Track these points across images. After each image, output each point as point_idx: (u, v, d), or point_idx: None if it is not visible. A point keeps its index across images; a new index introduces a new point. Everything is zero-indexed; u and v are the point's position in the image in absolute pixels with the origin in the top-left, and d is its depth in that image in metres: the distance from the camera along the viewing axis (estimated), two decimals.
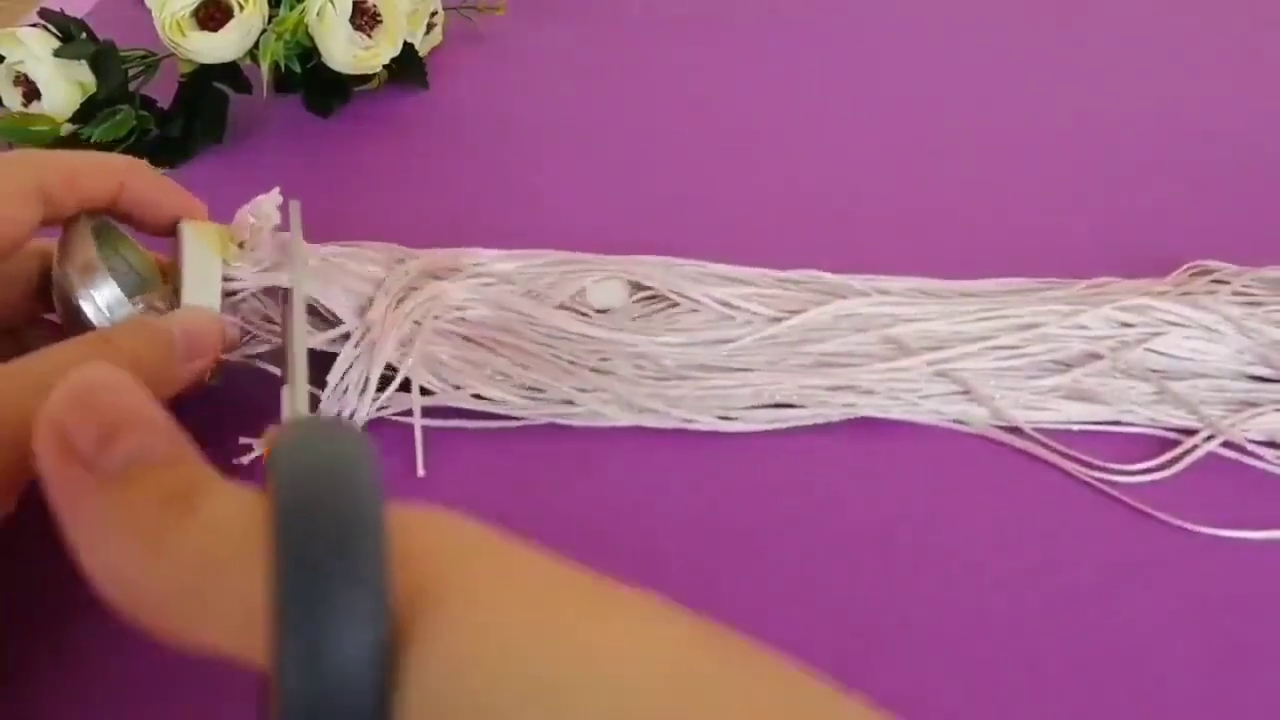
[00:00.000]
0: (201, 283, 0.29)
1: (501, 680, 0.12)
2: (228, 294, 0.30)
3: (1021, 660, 0.27)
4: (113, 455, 0.14)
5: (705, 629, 0.13)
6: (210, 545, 0.14)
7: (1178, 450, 0.33)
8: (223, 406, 0.31)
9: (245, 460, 0.30)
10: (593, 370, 0.34)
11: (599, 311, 0.36)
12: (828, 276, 0.39)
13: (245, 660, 0.13)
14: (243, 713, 0.19)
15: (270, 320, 0.31)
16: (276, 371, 0.31)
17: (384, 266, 0.34)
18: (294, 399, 0.25)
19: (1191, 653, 0.28)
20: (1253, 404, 0.35)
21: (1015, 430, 0.34)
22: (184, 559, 0.14)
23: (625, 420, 0.33)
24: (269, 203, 0.31)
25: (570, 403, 0.33)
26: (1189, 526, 0.31)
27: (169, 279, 0.30)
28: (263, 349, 0.31)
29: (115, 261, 0.29)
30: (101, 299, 0.27)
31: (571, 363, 0.34)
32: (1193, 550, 0.30)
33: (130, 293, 0.28)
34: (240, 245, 0.31)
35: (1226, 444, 0.33)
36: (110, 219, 0.30)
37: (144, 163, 0.31)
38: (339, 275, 0.33)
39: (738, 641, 0.13)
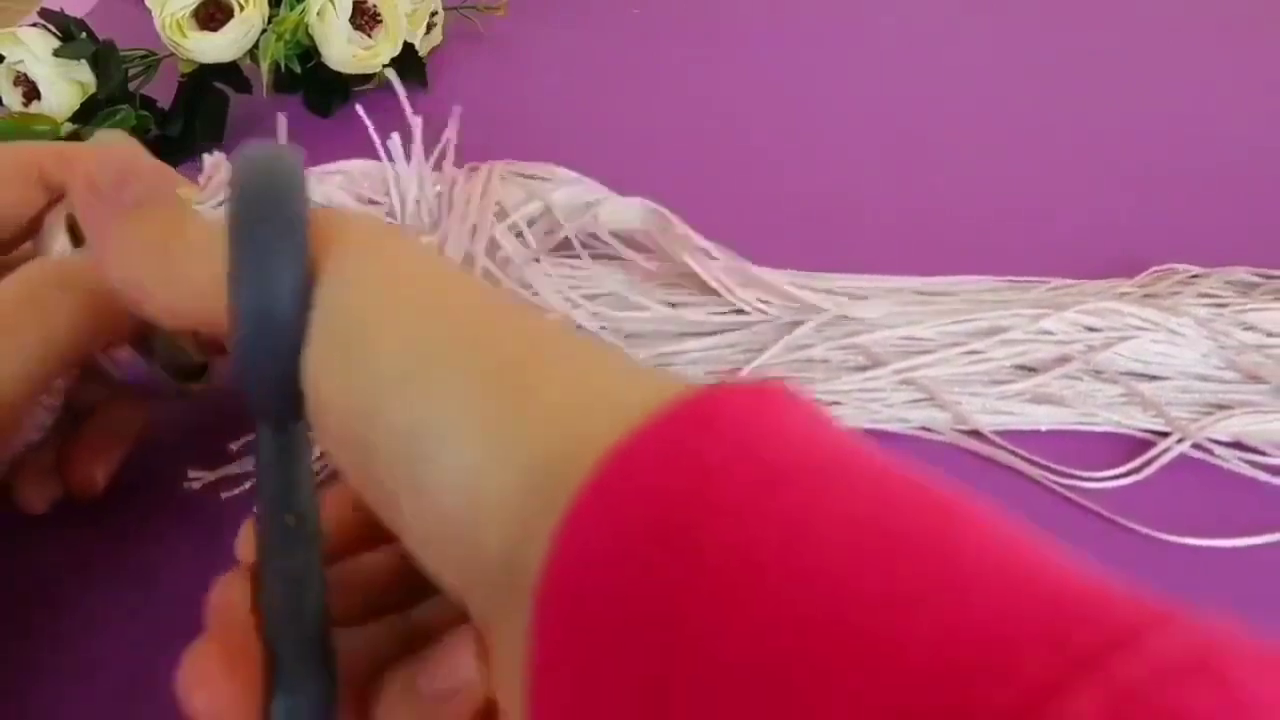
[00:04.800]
0: None
1: (374, 294, 0.18)
2: None
3: None
4: (125, 195, 0.20)
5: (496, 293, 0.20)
6: (189, 250, 0.19)
7: (1147, 455, 0.33)
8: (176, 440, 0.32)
9: (196, 485, 0.31)
10: None
11: (613, 234, 0.36)
12: (784, 275, 0.39)
13: (199, 320, 0.19)
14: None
15: None
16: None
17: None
18: None
19: None
20: (1220, 406, 0.35)
21: (981, 436, 0.34)
22: (176, 259, 0.19)
23: None
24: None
25: None
26: (1159, 535, 0.31)
27: None
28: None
29: None
30: None
31: None
32: (1164, 556, 0.31)
33: None
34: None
35: (1195, 446, 0.34)
36: None
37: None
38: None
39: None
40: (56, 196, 0.29)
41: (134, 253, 0.20)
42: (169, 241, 0.19)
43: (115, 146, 0.22)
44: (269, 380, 0.17)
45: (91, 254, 0.21)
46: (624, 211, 0.37)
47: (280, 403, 0.18)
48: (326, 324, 0.17)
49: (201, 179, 0.31)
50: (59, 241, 0.28)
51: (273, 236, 0.17)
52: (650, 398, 0.15)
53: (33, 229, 0.29)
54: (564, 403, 0.16)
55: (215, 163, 0.30)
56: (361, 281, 0.18)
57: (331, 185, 0.33)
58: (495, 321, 0.18)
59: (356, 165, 0.35)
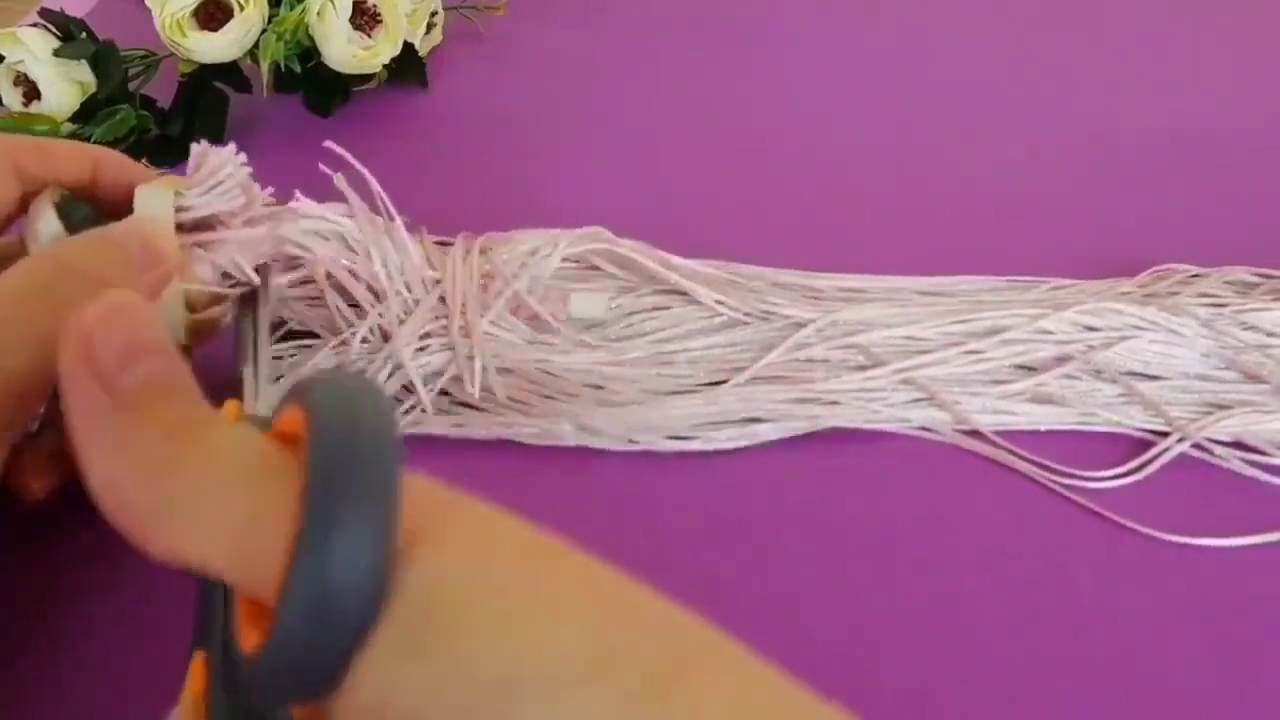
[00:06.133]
0: (152, 205, 0.28)
1: (468, 599, 0.14)
2: (182, 224, 0.29)
3: (991, 668, 0.27)
4: (130, 377, 0.15)
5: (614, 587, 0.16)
6: (206, 474, 0.15)
7: (1147, 455, 0.33)
8: None
9: None
10: (547, 396, 0.34)
11: (577, 319, 0.36)
12: (784, 275, 0.39)
13: (215, 573, 0.15)
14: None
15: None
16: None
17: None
18: (256, 381, 0.28)
19: (1167, 656, 0.28)
20: (1220, 406, 0.35)
21: (981, 436, 0.34)
22: (181, 485, 0.15)
23: (574, 441, 0.32)
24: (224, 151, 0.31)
25: (523, 415, 0.33)
26: (1159, 535, 0.31)
27: None
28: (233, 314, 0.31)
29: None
30: None
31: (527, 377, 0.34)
32: (1164, 556, 0.31)
33: None
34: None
35: (1195, 446, 0.34)
36: (73, 196, 0.29)
37: (115, 151, 0.31)
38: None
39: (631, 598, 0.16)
40: (34, 190, 0.28)
41: (129, 463, 0.15)
42: (181, 457, 0.15)
43: (123, 304, 0.16)
44: (308, 677, 0.14)
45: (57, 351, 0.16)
46: (590, 302, 0.37)
47: (305, 694, 0.14)
48: (410, 615, 0.14)
49: (190, 167, 0.30)
50: (49, 227, 0.28)
51: (359, 510, 0.14)
52: None
53: (8, 223, 0.28)
54: None
55: (202, 151, 0.30)
56: (462, 569, 0.15)
57: (313, 230, 0.33)
58: (637, 627, 0.15)
59: (347, 224, 0.34)
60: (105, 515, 0.15)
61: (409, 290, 0.34)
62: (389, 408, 0.16)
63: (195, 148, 0.30)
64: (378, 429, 0.15)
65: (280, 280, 0.33)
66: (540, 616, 0.15)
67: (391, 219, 0.35)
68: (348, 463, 0.14)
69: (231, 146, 0.30)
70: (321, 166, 0.35)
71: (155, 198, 0.29)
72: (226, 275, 0.30)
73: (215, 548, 0.15)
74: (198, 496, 0.15)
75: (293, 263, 0.34)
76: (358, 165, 0.35)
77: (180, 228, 0.29)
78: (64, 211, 0.28)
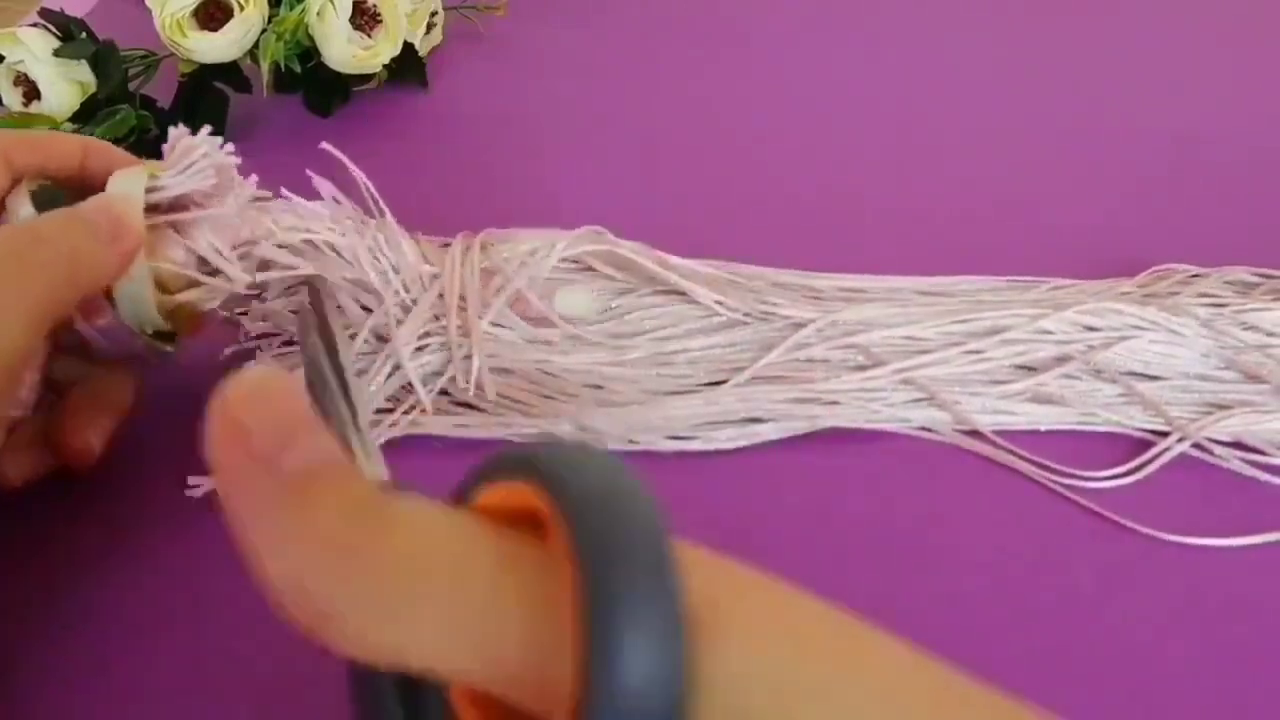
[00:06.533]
0: (123, 185, 0.29)
1: (780, 691, 0.14)
2: (158, 205, 0.29)
3: (991, 668, 0.27)
4: (292, 459, 0.14)
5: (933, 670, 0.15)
6: (407, 560, 0.14)
7: (1146, 455, 0.33)
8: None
9: (198, 494, 0.30)
10: (547, 396, 0.34)
11: (565, 319, 0.36)
12: (784, 275, 0.39)
13: (433, 669, 0.14)
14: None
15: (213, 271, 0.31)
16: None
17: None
18: (362, 447, 0.22)
19: (1167, 656, 0.28)
20: (1219, 406, 0.35)
21: (981, 436, 0.34)
22: (380, 574, 0.13)
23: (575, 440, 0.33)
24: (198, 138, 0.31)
25: (523, 415, 0.33)
26: (1159, 535, 0.31)
27: None
28: (218, 303, 0.31)
29: None
30: None
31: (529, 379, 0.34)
32: (1164, 556, 0.31)
33: None
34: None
35: (1195, 446, 0.34)
36: (52, 186, 0.30)
37: (103, 141, 0.31)
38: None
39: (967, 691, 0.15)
40: (18, 179, 0.29)
41: (313, 553, 0.14)
42: (373, 542, 0.14)
43: (265, 378, 0.14)
44: None
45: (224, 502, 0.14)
46: (576, 300, 0.37)
47: None
48: (721, 715, 0.13)
49: (165, 150, 0.31)
50: (25, 214, 0.28)
51: (648, 615, 0.13)
52: None
53: None
54: None
55: (177, 135, 0.31)
56: (775, 664, 0.14)
57: (299, 228, 0.33)
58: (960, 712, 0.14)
59: (337, 237, 0.34)
60: (281, 613, 0.14)
61: (406, 290, 0.34)
62: (646, 488, 0.15)
63: (173, 131, 0.31)
64: (647, 515, 0.14)
65: (279, 305, 0.33)
66: (850, 706, 0.14)
67: (382, 215, 0.35)
68: (625, 564, 0.13)
69: (205, 130, 0.31)
70: (309, 173, 0.35)
71: (128, 179, 0.29)
72: (203, 262, 0.30)
73: (425, 640, 0.14)
74: (403, 586, 0.14)
75: (289, 284, 0.33)
76: (351, 166, 0.35)
77: (157, 208, 0.29)
78: (40, 200, 0.29)
